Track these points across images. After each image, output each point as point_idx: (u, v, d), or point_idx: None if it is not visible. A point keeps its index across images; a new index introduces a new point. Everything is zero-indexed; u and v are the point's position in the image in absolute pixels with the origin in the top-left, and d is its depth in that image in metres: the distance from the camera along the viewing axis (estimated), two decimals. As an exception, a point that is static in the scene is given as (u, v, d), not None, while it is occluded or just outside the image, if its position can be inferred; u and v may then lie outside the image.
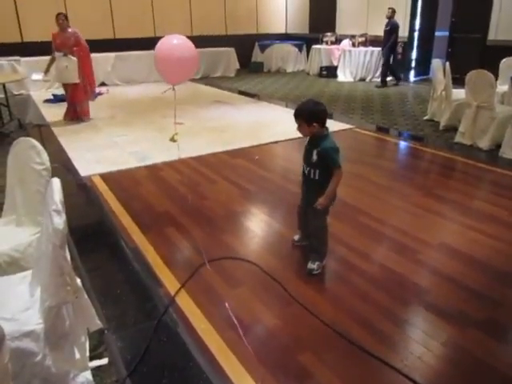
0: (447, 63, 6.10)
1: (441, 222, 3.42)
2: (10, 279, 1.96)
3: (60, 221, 1.52)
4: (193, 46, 2.82)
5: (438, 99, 6.44)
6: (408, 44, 10.54)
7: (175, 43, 2.65)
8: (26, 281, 1.90)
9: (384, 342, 2.15)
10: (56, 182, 1.67)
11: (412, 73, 10.79)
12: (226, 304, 2.41)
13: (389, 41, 9.70)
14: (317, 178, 2.58)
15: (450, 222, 3.39)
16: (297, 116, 2.52)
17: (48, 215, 1.59)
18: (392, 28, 9.68)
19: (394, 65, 10.10)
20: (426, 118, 6.79)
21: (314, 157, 2.54)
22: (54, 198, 1.57)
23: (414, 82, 10.63)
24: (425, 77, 10.76)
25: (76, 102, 6.44)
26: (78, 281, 1.86)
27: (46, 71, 6.35)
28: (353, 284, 2.59)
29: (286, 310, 2.37)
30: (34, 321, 1.64)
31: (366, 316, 2.32)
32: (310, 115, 2.47)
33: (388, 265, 2.78)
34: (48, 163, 2.26)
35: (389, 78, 10.18)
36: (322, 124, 2.51)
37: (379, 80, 10.15)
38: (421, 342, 2.14)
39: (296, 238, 3.02)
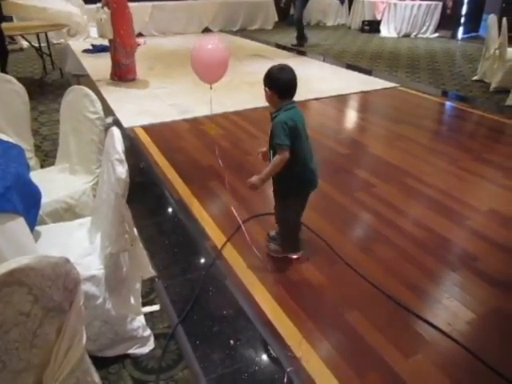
0: (504, 19, 5.71)
1: (490, 187, 3.31)
2: (68, 225, 2.02)
3: (123, 170, 1.53)
4: (225, 47, 2.76)
5: (491, 58, 6.09)
6: (458, -2, 9.92)
7: (209, 48, 2.66)
8: (84, 227, 1.96)
9: (431, 305, 2.15)
10: (116, 132, 1.67)
11: (461, 29, 10.19)
12: (272, 260, 2.43)
13: None
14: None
15: (499, 189, 3.27)
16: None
17: (110, 164, 1.60)
18: None
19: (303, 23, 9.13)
20: (475, 78, 6.46)
21: (269, 134, 2.16)
22: (115, 148, 1.58)
23: (463, 39, 10.06)
24: (475, 34, 10.17)
25: (115, 60, 5.93)
26: (135, 229, 1.90)
27: None
28: (400, 247, 2.57)
29: (331, 269, 2.38)
30: (95, 266, 1.70)
31: (413, 279, 2.30)
32: (266, 78, 2.12)
33: (436, 229, 2.73)
34: (102, 112, 2.27)
35: None
36: (280, 95, 2.10)
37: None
38: (470, 307, 2.11)
39: (272, 233, 2.53)
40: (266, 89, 2.13)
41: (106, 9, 5.55)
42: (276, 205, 2.37)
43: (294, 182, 2.20)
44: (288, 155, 2.06)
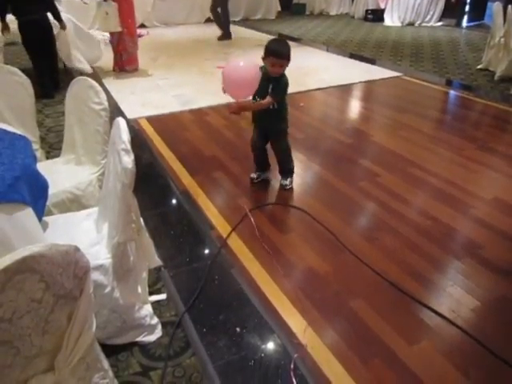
0: (509, 7, 5.65)
1: (495, 176, 3.31)
2: (75, 216, 2.04)
3: (129, 160, 1.54)
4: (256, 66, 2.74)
5: (496, 47, 6.04)
6: (463, -15, 9.81)
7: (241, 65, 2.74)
8: (91, 218, 1.97)
9: (435, 292, 2.16)
10: (122, 122, 1.68)
11: (465, 18, 10.07)
12: (277, 249, 2.45)
13: None
14: (276, 106, 2.78)
15: (504, 177, 3.27)
16: (285, 57, 2.65)
17: (116, 154, 1.61)
18: None
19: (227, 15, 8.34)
20: (480, 66, 6.41)
21: (270, 90, 2.71)
22: (122, 138, 1.59)
23: (468, 27, 9.96)
24: (479, 22, 10.06)
25: (119, 50, 5.94)
26: (141, 219, 1.91)
27: None
28: (404, 235, 2.58)
29: (336, 258, 2.39)
30: (103, 255, 1.72)
31: (417, 267, 2.32)
32: (288, 53, 2.66)
33: (440, 218, 2.74)
34: (106, 103, 2.27)
35: None
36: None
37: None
38: (474, 295, 2.13)
39: (254, 175, 3.16)
40: (289, 62, 2.67)
41: (110, 2, 5.47)
42: (280, 142, 2.98)
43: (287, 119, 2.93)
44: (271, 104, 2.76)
